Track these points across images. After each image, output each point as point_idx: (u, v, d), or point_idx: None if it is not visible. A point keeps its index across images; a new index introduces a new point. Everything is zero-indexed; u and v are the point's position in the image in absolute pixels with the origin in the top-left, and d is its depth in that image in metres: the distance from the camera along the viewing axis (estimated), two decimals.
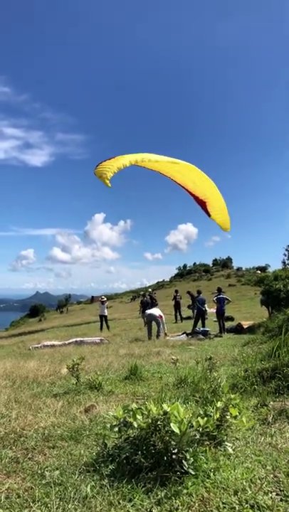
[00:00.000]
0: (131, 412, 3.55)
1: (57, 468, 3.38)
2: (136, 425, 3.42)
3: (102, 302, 24.96)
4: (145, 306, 25.28)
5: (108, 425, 3.73)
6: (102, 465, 3.35)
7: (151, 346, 13.22)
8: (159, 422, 3.32)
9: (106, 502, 2.79)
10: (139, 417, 3.45)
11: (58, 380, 7.77)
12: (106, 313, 24.59)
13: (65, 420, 4.82)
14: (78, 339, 17.21)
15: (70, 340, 17.07)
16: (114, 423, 3.62)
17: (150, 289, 35.12)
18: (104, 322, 24.57)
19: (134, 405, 3.67)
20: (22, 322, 66.15)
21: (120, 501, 2.80)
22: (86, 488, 2.97)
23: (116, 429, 3.58)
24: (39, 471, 3.34)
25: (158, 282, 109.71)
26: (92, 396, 6.20)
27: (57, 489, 2.98)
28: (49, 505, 2.76)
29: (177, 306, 27.52)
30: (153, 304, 29.42)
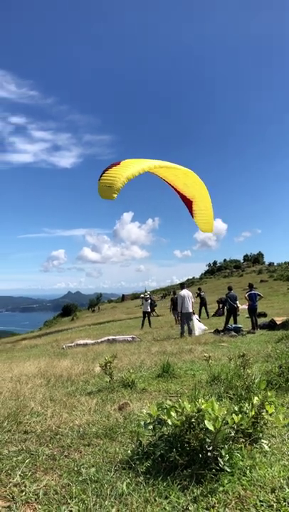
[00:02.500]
0: (165, 410, 3.55)
1: (93, 466, 3.42)
2: (170, 423, 3.41)
3: (146, 299, 25.41)
4: (176, 303, 25.42)
5: (142, 423, 3.73)
6: (138, 462, 3.36)
7: (183, 344, 13.19)
8: (193, 420, 3.30)
9: (142, 499, 2.80)
10: (173, 414, 3.44)
11: (92, 378, 7.86)
12: (149, 310, 24.96)
13: (100, 418, 4.87)
14: (110, 337, 17.33)
15: (103, 339, 17.21)
16: (149, 421, 3.62)
17: (148, 292, 35.59)
18: (147, 318, 24.90)
19: (167, 403, 3.66)
20: (55, 321, 67.12)
21: (156, 498, 2.80)
22: (122, 485, 2.98)
23: (150, 426, 3.58)
24: (75, 468, 3.38)
25: (188, 279, 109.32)
26: (126, 394, 6.23)
27: (93, 486, 3.01)
28: (86, 501, 2.78)
29: (202, 303, 27.41)
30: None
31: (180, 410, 3.43)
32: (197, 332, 16.79)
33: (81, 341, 17.58)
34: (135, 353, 11.29)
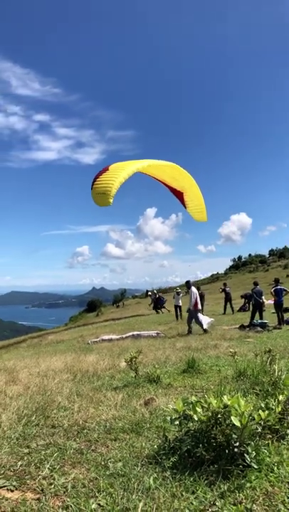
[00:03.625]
0: (191, 405, 3.55)
1: (120, 460, 3.45)
2: (196, 418, 3.41)
3: (178, 293, 26.07)
4: (201, 298, 25.67)
5: (168, 418, 3.75)
6: (164, 457, 3.38)
7: (208, 339, 13.14)
8: (219, 416, 3.30)
9: (169, 494, 2.81)
10: (199, 410, 3.44)
11: (117, 373, 7.91)
12: (180, 304, 25.60)
13: (126, 413, 4.90)
14: (135, 333, 17.38)
15: (127, 334, 17.28)
16: (175, 416, 3.64)
17: (155, 290, 36.53)
18: (179, 312, 25.46)
19: (193, 398, 3.67)
20: (80, 317, 67.73)
21: (183, 493, 2.81)
22: (149, 479, 3.00)
23: (176, 422, 3.60)
24: (102, 463, 3.43)
25: (212, 275, 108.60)
26: (151, 389, 6.26)
27: (120, 480, 3.05)
28: (113, 495, 2.82)
29: (227, 298, 27.24)
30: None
31: (206, 406, 3.43)
32: (206, 325, 16.76)
33: (106, 337, 17.69)
34: (160, 349, 11.30)
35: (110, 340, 16.68)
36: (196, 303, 16.34)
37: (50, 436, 4.14)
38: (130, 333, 17.38)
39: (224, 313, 26.77)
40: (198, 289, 24.98)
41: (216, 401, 3.40)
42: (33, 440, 4.06)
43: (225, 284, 28.39)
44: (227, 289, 27.28)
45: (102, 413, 4.94)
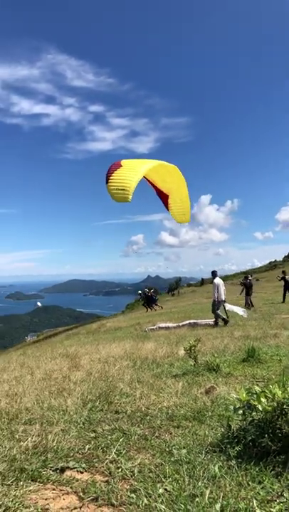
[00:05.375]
0: (255, 395, 3.52)
1: (184, 447, 3.50)
2: (261, 408, 3.38)
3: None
4: (248, 288, 25.59)
5: (231, 407, 3.75)
6: (228, 446, 3.38)
7: (267, 328, 12.88)
8: (285, 406, 3.25)
9: (235, 482, 2.82)
10: (263, 400, 3.41)
11: (176, 361, 7.96)
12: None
13: (187, 401, 4.94)
14: (192, 321, 17.34)
15: (184, 323, 17.28)
16: (238, 405, 3.62)
17: (146, 288, 37.32)
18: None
19: (256, 388, 3.63)
20: (136, 305, 68.59)
21: (250, 483, 2.81)
22: (214, 467, 3.02)
23: (240, 411, 3.58)
24: (167, 449, 3.49)
25: (270, 262, 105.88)
26: (211, 378, 6.25)
27: (186, 467, 3.09)
28: (179, 481, 2.87)
29: (287, 286, 26.50)
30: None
31: (270, 396, 3.39)
32: (245, 314, 16.51)
33: (163, 324, 17.81)
34: (218, 337, 11.23)
35: (167, 328, 16.77)
36: (217, 294, 16.09)
37: (115, 422, 4.27)
38: (187, 322, 17.38)
39: (283, 301, 26.11)
40: (246, 278, 24.65)
41: (281, 391, 3.35)
42: (98, 425, 4.20)
43: (284, 272, 27.63)
44: (287, 276, 26.57)
45: (163, 400, 5.01)
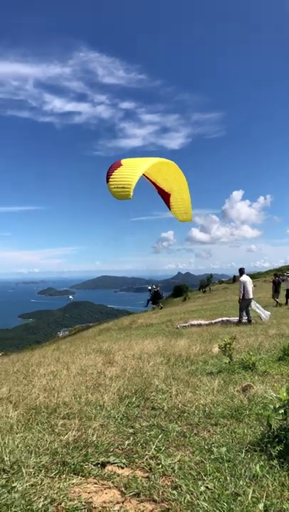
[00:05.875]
0: None
1: (223, 445, 3.48)
2: None
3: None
4: (276, 285, 25.58)
5: (271, 406, 3.70)
6: (269, 445, 3.35)
7: None
8: None
9: (277, 483, 2.79)
10: None
11: (210, 358, 7.92)
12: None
13: (224, 399, 4.91)
14: (224, 318, 17.21)
15: (216, 320, 17.16)
16: (278, 405, 3.57)
17: (154, 285, 37.29)
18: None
19: None
20: (167, 301, 68.60)
21: None
22: (255, 467, 3.00)
23: (281, 410, 3.53)
24: (206, 447, 3.48)
25: None
26: (247, 376, 6.18)
27: (226, 465, 3.07)
28: (221, 479, 2.86)
29: None
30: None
31: None
32: (267, 317, 16.17)
33: (195, 322, 17.74)
34: (252, 335, 11.10)
35: (199, 325, 16.70)
36: (243, 293, 15.81)
37: (152, 418, 4.29)
38: (219, 319, 17.26)
39: None
40: (276, 275, 24.42)
41: None
42: (136, 421, 4.23)
43: None
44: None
45: (199, 398, 4.99)
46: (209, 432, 3.89)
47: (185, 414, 4.39)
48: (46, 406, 4.84)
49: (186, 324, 17.41)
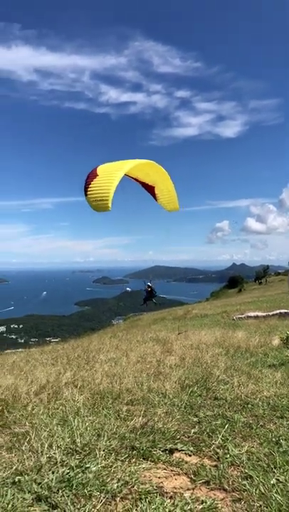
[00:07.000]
0: None
1: None
2: None
3: None
4: None
5: None
6: None
7: None
8: None
9: None
10: None
11: (270, 351, 7.78)
12: None
13: (288, 392, 4.81)
14: (283, 311, 16.81)
15: (274, 312, 16.81)
16: None
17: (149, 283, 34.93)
18: None
19: None
20: (222, 293, 67.86)
21: None
22: None
23: None
24: (274, 439, 3.43)
25: None
26: None
27: None
28: None
29: None
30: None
31: None
32: None
33: (252, 313, 17.48)
34: None
35: (256, 317, 16.45)
36: None
37: (216, 408, 4.28)
38: (277, 311, 16.89)
39: None
40: None
41: None
42: (199, 410, 4.24)
43: None
44: None
45: (262, 389, 4.92)
46: (275, 424, 3.84)
47: (249, 406, 4.35)
48: (110, 391, 4.95)
49: (243, 316, 17.20)
